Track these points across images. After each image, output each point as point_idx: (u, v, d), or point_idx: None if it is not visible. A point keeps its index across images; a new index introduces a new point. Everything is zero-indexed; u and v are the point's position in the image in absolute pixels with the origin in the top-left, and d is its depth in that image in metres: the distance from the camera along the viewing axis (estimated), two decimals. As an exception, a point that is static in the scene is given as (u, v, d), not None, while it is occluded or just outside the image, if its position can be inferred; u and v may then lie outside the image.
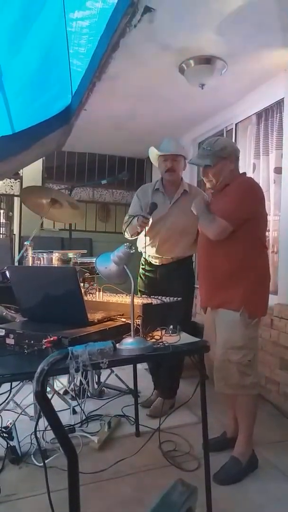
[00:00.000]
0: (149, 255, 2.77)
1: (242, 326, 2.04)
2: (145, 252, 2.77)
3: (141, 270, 2.87)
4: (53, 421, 1.04)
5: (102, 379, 3.11)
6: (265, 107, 3.44)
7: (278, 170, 3.27)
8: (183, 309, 2.47)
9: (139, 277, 2.87)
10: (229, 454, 2.13)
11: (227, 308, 2.08)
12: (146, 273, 2.82)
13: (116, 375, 3.07)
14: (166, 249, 2.69)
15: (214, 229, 2.06)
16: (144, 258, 2.82)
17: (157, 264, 2.76)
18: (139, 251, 2.82)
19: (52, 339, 1.37)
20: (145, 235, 2.56)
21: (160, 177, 2.80)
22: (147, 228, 2.53)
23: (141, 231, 2.53)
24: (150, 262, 2.79)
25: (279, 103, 3.23)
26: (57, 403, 2.65)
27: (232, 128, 3.97)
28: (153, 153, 2.74)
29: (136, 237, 2.68)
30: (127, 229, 2.62)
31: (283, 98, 3.12)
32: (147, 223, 2.46)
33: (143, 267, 2.84)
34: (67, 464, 1.07)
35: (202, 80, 3.05)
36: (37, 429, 1.57)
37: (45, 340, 1.37)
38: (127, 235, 2.67)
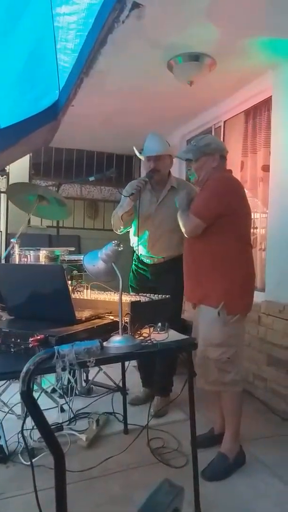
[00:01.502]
0: (141, 254, 2.76)
1: (220, 323, 2.05)
2: (136, 249, 2.76)
3: (133, 266, 2.86)
4: (39, 421, 1.03)
5: (91, 377, 3.10)
6: (253, 105, 3.46)
7: (265, 168, 3.29)
8: (172, 307, 2.46)
9: (131, 272, 2.86)
10: (217, 450, 2.14)
11: (207, 304, 2.10)
12: (138, 270, 2.80)
13: (105, 372, 3.06)
14: (158, 249, 2.67)
15: (187, 226, 2.09)
16: (137, 254, 2.81)
17: (149, 263, 2.74)
18: (131, 245, 2.81)
19: (39, 337, 1.35)
20: (138, 218, 2.55)
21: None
22: (138, 223, 2.52)
23: (132, 201, 2.50)
24: (142, 260, 2.77)
25: (267, 101, 3.25)
26: (45, 401, 2.63)
27: (221, 126, 3.98)
28: (137, 153, 2.73)
29: (124, 229, 2.66)
30: (117, 211, 2.61)
31: (270, 96, 3.14)
32: (144, 186, 2.48)
33: (135, 263, 2.83)
34: (54, 463, 1.06)
35: (190, 77, 3.05)
36: (24, 428, 1.55)
37: (32, 339, 1.35)
38: (115, 223, 2.66)
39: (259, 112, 3.42)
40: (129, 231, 2.77)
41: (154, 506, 0.79)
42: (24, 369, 1.04)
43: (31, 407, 1.02)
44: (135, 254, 2.84)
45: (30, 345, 1.35)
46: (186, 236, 2.13)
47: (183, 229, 2.13)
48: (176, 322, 2.62)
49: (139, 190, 2.48)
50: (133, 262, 2.86)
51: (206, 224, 2.04)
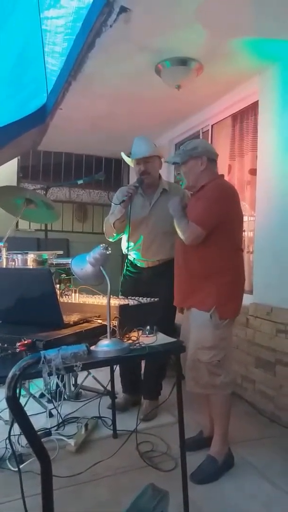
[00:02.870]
0: (134, 258, 2.75)
1: (212, 326, 2.06)
2: (129, 254, 2.75)
3: (125, 271, 2.83)
4: (25, 427, 1.02)
5: (79, 381, 3.08)
6: (240, 109, 3.49)
7: (252, 172, 3.32)
8: (167, 310, 2.45)
9: (122, 278, 2.84)
10: (206, 453, 2.14)
11: (198, 309, 2.10)
12: (131, 275, 2.78)
13: (93, 376, 3.05)
14: (153, 252, 2.65)
15: (188, 235, 2.07)
16: (129, 259, 2.79)
17: (143, 266, 2.72)
18: (124, 253, 2.80)
19: (26, 342, 1.34)
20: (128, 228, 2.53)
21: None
22: (129, 227, 2.51)
23: (123, 208, 2.48)
24: (135, 264, 2.76)
25: (254, 106, 3.28)
26: (33, 406, 2.61)
27: (208, 130, 4.01)
28: (126, 158, 2.72)
29: (116, 236, 2.65)
30: (109, 219, 2.61)
31: (257, 100, 3.17)
32: (135, 192, 2.48)
33: (128, 268, 2.81)
34: (40, 469, 1.05)
35: (178, 81, 3.07)
36: (12, 434, 1.54)
37: (19, 343, 1.34)
38: (107, 230, 2.65)
39: (246, 116, 3.45)
40: (121, 238, 2.76)
41: (138, 511, 0.79)
42: (10, 374, 1.03)
43: (17, 413, 1.01)
44: (127, 259, 2.82)
45: (18, 350, 1.34)
46: (186, 244, 2.09)
47: (182, 237, 2.10)
48: (170, 326, 2.62)
49: (130, 197, 2.46)
50: (125, 267, 2.84)
51: (206, 232, 2.04)
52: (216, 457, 2.10)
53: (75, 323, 1.64)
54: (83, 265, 1.64)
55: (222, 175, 2.30)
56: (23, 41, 3.05)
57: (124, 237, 2.72)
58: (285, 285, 2.78)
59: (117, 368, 2.82)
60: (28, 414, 1.07)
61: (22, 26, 2.94)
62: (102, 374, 2.93)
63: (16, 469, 1.97)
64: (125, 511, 0.77)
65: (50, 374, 1.11)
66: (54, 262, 2.24)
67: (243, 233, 3.39)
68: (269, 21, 2.41)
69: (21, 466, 1.89)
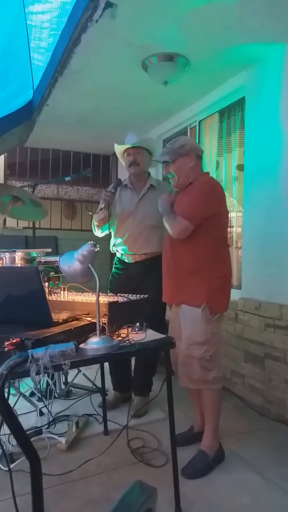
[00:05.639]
0: (121, 254, 2.75)
1: (203, 321, 2.08)
2: (117, 250, 2.76)
3: (113, 269, 2.84)
4: (14, 427, 1.01)
5: (70, 379, 3.08)
6: (227, 105, 3.49)
7: (240, 167, 3.34)
8: (155, 307, 2.44)
9: (111, 276, 2.84)
10: (197, 448, 2.16)
11: (189, 305, 2.12)
12: (119, 272, 2.79)
13: (84, 374, 3.04)
14: (139, 245, 2.67)
15: (176, 228, 2.09)
16: (117, 256, 2.80)
17: (131, 261, 2.73)
18: (111, 251, 2.81)
19: (14, 341, 1.33)
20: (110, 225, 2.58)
21: (128, 175, 2.80)
22: (118, 220, 2.53)
23: (104, 210, 2.53)
24: (123, 260, 2.77)
25: (241, 101, 3.29)
26: (23, 405, 2.60)
27: (196, 126, 4.01)
28: (118, 150, 2.74)
29: (102, 230, 2.70)
30: (93, 218, 2.67)
31: (244, 96, 3.18)
32: (112, 197, 2.52)
33: (116, 265, 2.82)
34: (30, 469, 1.05)
35: (165, 77, 3.06)
36: (3, 433, 1.53)
37: (8, 343, 1.33)
38: (95, 228, 2.72)
39: (233, 112, 3.46)
40: (110, 234, 2.78)
41: (125, 508, 0.79)
42: (-2, 374, 1.02)
43: (5, 413, 1.01)
44: (115, 257, 2.83)
45: (6, 349, 1.33)
46: (174, 237, 2.13)
47: (170, 231, 2.13)
48: (160, 320, 2.63)
49: (108, 201, 2.52)
50: (114, 265, 2.85)
51: (194, 226, 2.06)
52: (207, 452, 2.11)
53: (64, 321, 1.64)
54: (71, 263, 1.64)
55: (208, 173, 2.33)
56: (8, 37, 3.02)
57: (112, 235, 2.73)
58: (272, 280, 2.80)
59: (107, 365, 2.83)
60: (18, 413, 1.07)
61: (7, 21, 2.91)
62: (93, 371, 2.93)
63: (7, 468, 1.96)
64: (112, 509, 0.77)
65: (38, 373, 1.10)
66: (42, 260, 2.23)
67: (231, 228, 3.44)
68: (255, 20, 2.41)
69: (12, 466, 1.89)
